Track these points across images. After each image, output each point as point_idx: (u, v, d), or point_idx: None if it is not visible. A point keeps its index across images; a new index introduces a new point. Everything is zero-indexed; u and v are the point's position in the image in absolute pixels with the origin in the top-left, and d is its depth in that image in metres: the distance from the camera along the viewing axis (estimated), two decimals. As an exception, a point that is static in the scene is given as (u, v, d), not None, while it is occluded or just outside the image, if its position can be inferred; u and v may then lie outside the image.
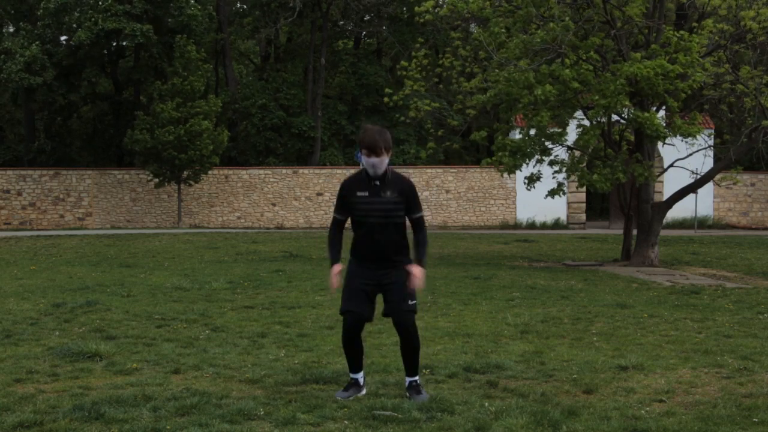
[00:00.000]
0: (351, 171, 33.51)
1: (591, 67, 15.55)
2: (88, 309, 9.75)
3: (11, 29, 36.62)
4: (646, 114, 14.78)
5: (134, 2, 31.41)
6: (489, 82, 16.91)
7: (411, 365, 5.74)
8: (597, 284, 12.93)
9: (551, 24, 15.21)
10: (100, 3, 31.15)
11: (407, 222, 5.71)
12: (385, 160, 5.51)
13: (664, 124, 16.19)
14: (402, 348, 5.75)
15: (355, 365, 5.77)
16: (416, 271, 5.51)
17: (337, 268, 5.64)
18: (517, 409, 5.27)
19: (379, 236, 5.57)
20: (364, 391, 5.77)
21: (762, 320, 9.19)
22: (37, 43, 31.20)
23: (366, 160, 5.51)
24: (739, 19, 16.18)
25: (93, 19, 30.77)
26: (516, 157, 16.45)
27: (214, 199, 33.35)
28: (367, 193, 5.57)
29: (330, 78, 40.25)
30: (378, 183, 5.56)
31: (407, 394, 5.71)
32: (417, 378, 5.75)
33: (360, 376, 5.79)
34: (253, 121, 35.86)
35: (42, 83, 31.74)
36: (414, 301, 5.62)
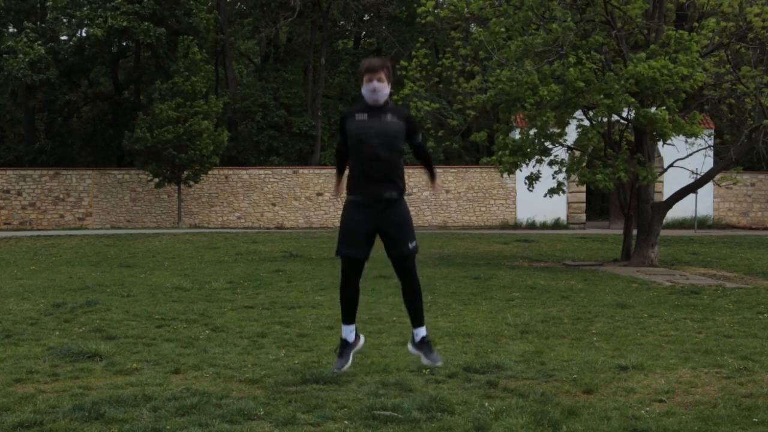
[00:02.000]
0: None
1: (594, 66, 15.55)
2: (88, 309, 9.74)
3: (11, 29, 36.61)
4: (653, 112, 14.75)
5: (144, 2, 31.46)
6: (489, 83, 16.91)
7: (416, 313, 5.69)
8: (597, 284, 12.93)
9: (553, 25, 15.21)
10: (109, 2, 31.18)
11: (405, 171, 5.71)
12: (386, 87, 5.42)
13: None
14: (404, 294, 5.70)
15: (350, 315, 5.68)
16: (436, 182, 5.89)
17: (338, 185, 5.81)
18: (517, 409, 5.27)
19: (377, 161, 5.41)
20: (361, 342, 5.83)
21: (762, 320, 9.19)
22: (39, 42, 31.21)
23: (366, 87, 5.40)
24: (744, 15, 16.14)
25: (103, 17, 30.79)
26: (516, 156, 16.46)
27: (214, 199, 33.35)
28: (366, 116, 5.47)
29: (330, 78, 40.26)
30: (378, 108, 5.47)
31: (414, 351, 5.70)
32: (425, 330, 5.70)
33: (352, 329, 5.70)
34: (255, 118, 35.87)
35: (45, 80, 31.74)
36: (414, 243, 5.57)
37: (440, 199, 33.51)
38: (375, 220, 5.51)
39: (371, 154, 5.42)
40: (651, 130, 15.39)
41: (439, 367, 5.49)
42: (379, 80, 5.38)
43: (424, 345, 5.70)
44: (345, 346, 5.73)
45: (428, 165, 5.85)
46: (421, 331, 5.73)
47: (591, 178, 15.89)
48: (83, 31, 33.22)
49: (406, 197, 5.69)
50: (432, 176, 5.89)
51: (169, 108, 29.58)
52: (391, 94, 5.57)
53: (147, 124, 30.05)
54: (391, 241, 5.56)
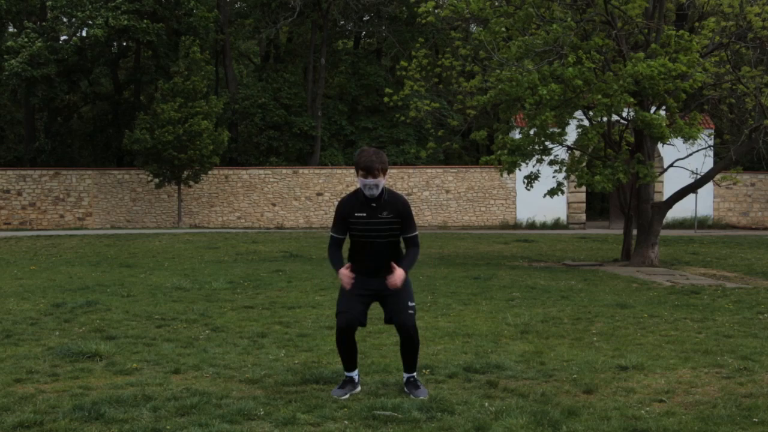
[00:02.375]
0: (351, 171, 33.57)
1: (593, 66, 15.54)
2: (88, 309, 9.75)
3: (11, 29, 36.60)
4: (651, 115, 14.76)
5: (143, 0, 31.45)
6: (489, 82, 16.90)
7: (411, 363, 5.82)
8: (597, 284, 12.93)
9: (553, 25, 15.21)
10: (111, 2, 31.17)
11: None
12: (382, 181, 5.62)
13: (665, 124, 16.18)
14: (402, 348, 5.82)
15: (350, 364, 5.83)
16: (398, 271, 5.60)
17: (345, 269, 5.72)
18: (517, 409, 5.27)
19: (376, 254, 5.71)
20: (359, 389, 5.84)
21: (762, 320, 9.19)
22: (40, 40, 31.20)
23: (362, 182, 5.60)
24: (744, 14, 16.14)
25: (104, 17, 30.79)
26: (515, 156, 16.46)
27: (214, 199, 33.35)
28: (365, 214, 5.68)
29: (330, 78, 40.26)
30: (375, 204, 5.66)
31: (405, 390, 5.77)
32: (415, 374, 5.83)
33: (355, 374, 5.85)
34: (254, 120, 35.86)
35: (45, 76, 31.71)
36: (413, 304, 5.75)
37: (440, 199, 33.51)
38: (374, 288, 5.74)
39: (373, 251, 5.71)
40: (648, 133, 15.37)
41: (424, 400, 5.51)
42: (374, 177, 5.58)
43: (410, 384, 5.81)
44: (350, 382, 5.83)
45: (407, 256, 5.78)
46: (411, 375, 5.84)
47: (589, 180, 15.88)
48: (83, 31, 33.17)
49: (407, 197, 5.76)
50: (404, 265, 5.68)
51: (171, 108, 29.56)
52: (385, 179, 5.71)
53: (147, 124, 30.04)
54: (389, 306, 5.75)
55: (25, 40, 31.21)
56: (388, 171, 5.97)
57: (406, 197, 5.92)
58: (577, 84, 14.79)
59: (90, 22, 31.24)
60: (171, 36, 33.41)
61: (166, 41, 32.91)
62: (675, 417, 5.18)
